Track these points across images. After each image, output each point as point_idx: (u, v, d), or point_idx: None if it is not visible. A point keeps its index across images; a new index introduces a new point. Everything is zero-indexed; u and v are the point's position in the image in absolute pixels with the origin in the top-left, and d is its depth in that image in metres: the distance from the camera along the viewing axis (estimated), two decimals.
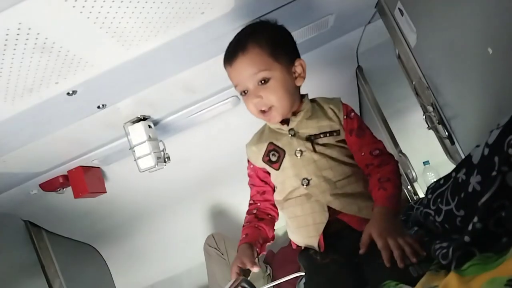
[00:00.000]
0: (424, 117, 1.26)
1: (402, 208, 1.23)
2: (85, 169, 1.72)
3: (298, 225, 1.06)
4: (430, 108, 1.21)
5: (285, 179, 1.08)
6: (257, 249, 1.06)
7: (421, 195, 1.81)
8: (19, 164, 1.50)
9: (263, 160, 1.10)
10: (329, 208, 1.02)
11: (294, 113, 1.07)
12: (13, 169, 1.52)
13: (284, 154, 1.07)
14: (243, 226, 1.13)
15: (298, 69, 1.05)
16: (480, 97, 0.96)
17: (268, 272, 2.22)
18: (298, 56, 1.07)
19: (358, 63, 1.86)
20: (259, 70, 0.98)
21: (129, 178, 1.83)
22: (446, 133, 1.18)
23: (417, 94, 1.27)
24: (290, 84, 1.03)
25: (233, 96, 1.60)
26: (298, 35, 1.32)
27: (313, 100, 1.11)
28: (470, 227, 0.67)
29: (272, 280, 2.15)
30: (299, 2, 1.16)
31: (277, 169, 1.08)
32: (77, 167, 1.71)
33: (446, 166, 1.20)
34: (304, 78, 1.06)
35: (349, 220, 1.02)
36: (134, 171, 1.46)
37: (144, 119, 1.49)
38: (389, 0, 1.24)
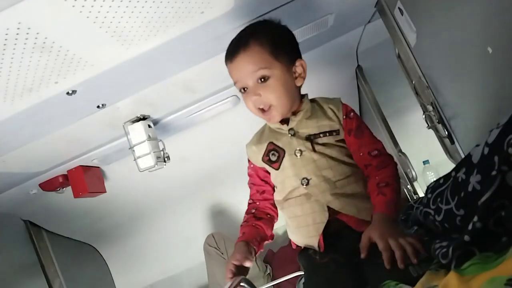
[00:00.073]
0: (424, 116, 1.26)
1: (401, 207, 1.22)
2: (85, 168, 1.72)
3: (298, 225, 1.06)
4: (430, 108, 1.21)
5: (284, 179, 1.08)
6: (255, 247, 1.06)
7: (421, 194, 1.80)
8: (18, 163, 1.50)
9: (262, 159, 1.10)
10: (329, 208, 1.02)
11: (294, 113, 1.07)
12: (12, 168, 1.52)
13: (284, 153, 1.07)
14: (241, 225, 1.13)
15: (298, 69, 1.05)
16: (480, 96, 0.96)
17: (268, 272, 2.22)
18: (299, 56, 1.08)
19: (358, 62, 1.86)
20: (259, 67, 0.99)
21: (128, 177, 1.83)
22: (446, 133, 1.18)
23: (417, 93, 1.27)
24: (290, 83, 1.03)
25: (232, 95, 1.60)
26: (298, 35, 1.32)
27: (313, 100, 1.11)
28: (470, 227, 0.67)
29: (272, 280, 2.15)
30: (299, 2, 1.16)
31: (277, 169, 1.08)
32: (77, 166, 1.71)
33: (446, 166, 1.20)
34: (304, 78, 1.06)
35: (348, 220, 1.02)
36: (133, 171, 1.46)
37: (144, 118, 1.49)
38: None
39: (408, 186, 1.88)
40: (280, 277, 1.92)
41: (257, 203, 1.15)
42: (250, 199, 1.18)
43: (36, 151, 1.44)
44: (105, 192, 1.84)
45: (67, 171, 1.72)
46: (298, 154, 1.05)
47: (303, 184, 1.04)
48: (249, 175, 1.18)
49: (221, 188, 2.35)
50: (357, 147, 1.05)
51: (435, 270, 0.74)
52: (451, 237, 0.80)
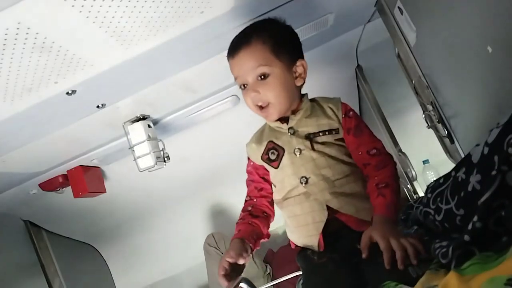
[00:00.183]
0: (423, 116, 1.26)
1: (401, 207, 1.23)
2: (85, 168, 1.72)
3: (298, 224, 1.06)
4: (430, 107, 1.21)
5: (284, 178, 1.08)
6: (251, 245, 1.05)
7: (421, 194, 1.80)
8: (18, 164, 1.50)
9: (262, 158, 1.11)
10: (328, 207, 1.02)
11: (294, 112, 1.07)
12: (12, 169, 1.52)
13: (283, 152, 1.07)
14: (237, 222, 1.13)
15: (299, 69, 1.05)
16: (479, 96, 0.96)
17: (268, 271, 2.22)
18: (301, 56, 1.08)
19: (357, 62, 1.86)
20: (259, 64, 0.99)
21: (128, 177, 1.83)
22: (446, 132, 1.18)
23: (416, 93, 1.27)
24: (289, 83, 1.04)
25: (232, 95, 1.60)
26: (298, 34, 1.31)
27: (313, 100, 1.12)
28: (470, 226, 0.67)
29: (272, 279, 2.15)
30: (299, 1, 1.16)
31: (276, 168, 1.08)
32: (77, 166, 1.71)
33: (446, 165, 1.20)
34: (304, 78, 1.07)
35: (346, 220, 1.02)
36: (133, 171, 1.46)
37: (144, 118, 1.49)
38: None
39: (408, 186, 1.88)
40: (280, 277, 1.92)
41: (254, 200, 1.15)
42: (247, 196, 1.17)
43: (36, 151, 1.44)
44: (105, 192, 1.84)
45: (67, 171, 1.72)
46: (297, 153, 1.05)
47: (302, 183, 1.04)
48: (248, 172, 1.18)
49: (221, 188, 2.35)
50: (355, 146, 1.05)
51: (435, 270, 0.74)
52: (451, 236, 0.80)
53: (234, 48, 1.03)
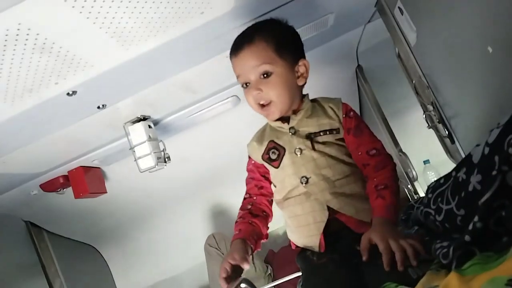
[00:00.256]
0: (424, 116, 1.26)
1: (401, 208, 1.22)
2: (86, 169, 1.72)
3: (299, 224, 1.06)
4: (430, 107, 1.20)
5: (284, 178, 1.08)
6: (251, 246, 1.05)
7: (422, 194, 1.80)
8: (19, 164, 1.50)
9: (262, 158, 1.11)
10: (328, 207, 1.02)
11: (295, 112, 1.08)
12: (13, 169, 1.52)
13: (284, 152, 1.07)
14: (236, 221, 1.12)
15: (301, 68, 1.06)
16: (480, 96, 0.96)
17: (269, 272, 2.22)
18: (303, 56, 1.08)
19: (358, 62, 1.86)
20: (262, 62, 1.00)
21: (129, 178, 1.83)
22: (446, 132, 1.18)
23: (417, 93, 1.27)
24: (292, 82, 1.04)
25: (233, 96, 1.59)
26: (299, 35, 1.32)
27: (314, 100, 1.12)
28: (470, 227, 0.67)
29: (273, 280, 2.15)
30: (299, 1, 1.16)
31: (277, 167, 1.08)
32: (78, 167, 1.71)
33: (447, 165, 1.20)
34: (306, 78, 1.07)
35: (346, 221, 1.02)
36: (134, 171, 1.46)
37: (144, 119, 1.49)
38: None
39: (409, 186, 1.87)
40: (281, 278, 1.92)
41: (254, 197, 1.14)
42: (246, 193, 1.17)
43: (37, 152, 1.44)
44: (106, 192, 1.84)
45: (68, 171, 1.72)
46: (298, 153, 1.05)
47: (302, 183, 1.04)
48: (249, 170, 1.17)
49: (221, 188, 2.35)
50: (355, 146, 1.05)
51: (436, 270, 0.74)
52: (452, 237, 0.80)
53: (237, 47, 1.03)
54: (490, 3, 0.78)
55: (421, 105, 1.29)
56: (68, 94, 1.12)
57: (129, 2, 0.89)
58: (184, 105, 1.55)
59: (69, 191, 1.76)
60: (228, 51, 1.09)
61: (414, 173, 1.78)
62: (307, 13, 1.26)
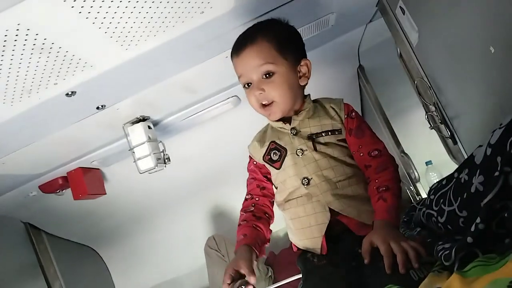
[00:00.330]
0: (426, 116, 1.25)
1: (403, 209, 1.22)
2: (85, 170, 1.72)
3: (301, 225, 1.05)
4: (432, 108, 1.20)
5: (286, 179, 1.07)
6: (256, 252, 1.04)
7: (424, 195, 1.80)
8: (18, 165, 1.50)
9: (263, 159, 1.10)
10: (330, 209, 1.01)
11: (296, 112, 1.07)
12: (12, 171, 1.52)
13: (286, 153, 1.06)
14: (239, 224, 1.11)
15: (303, 68, 1.06)
16: (482, 96, 0.95)
17: (270, 274, 2.21)
18: (304, 56, 1.08)
19: (359, 62, 1.86)
20: (265, 62, 0.99)
21: (128, 179, 1.82)
22: (449, 133, 1.17)
23: (419, 93, 1.26)
24: (294, 82, 1.04)
25: (233, 96, 1.59)
26: (301, 35, 1.31)
27: (315, 101, 1.12)
28: (472, 228, 0.67)
29: (274, 282, 2.14)
30: (300, 1, 1.15)
31: (278, 168, 1.08)
32: (77, 168, 1.70)
33: (449, 166, 1.19)
34: (308, 78, 1.07)
35: (347, 222, 1.02)
36: (133, 172, 1.45)
37: (144, 119, 1.49)
38: None
39: (411, 187, 1.87)
40: (281, 280, 1.91)
41: (256, 198, 1.13)
42: (248, 194, 1.16)
43: (36, 153, 1.44)
44: (105, 194, 1.83)
45: (67, 173, 1.72)
46: (300, 154, 1.04)
47: (303, 184, 1.03)
48: (250, 171, 1.17)
49: (222, 189, 2.35)
50: (357, 147, 1.05)
51: (438, 272, 0.74)
52: (454, 238, 0.80)
53: (239, 46, 1.03)
54: (492, 3, 0.78)
55: (423, 106, 1.29)
56: (67, 94, 1.12)
57: (129, 1, 0.88)
58: (184, 106, 1.55)
59: (68, 192, 1.76)
60: (229, 51, 1.09)
61: (416, 174, 1.78)
62: (308, 13, 1.26)
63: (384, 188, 0.97)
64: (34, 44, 0.89)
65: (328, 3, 1.25)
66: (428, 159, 2.26)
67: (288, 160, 1.06)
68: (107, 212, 2.14)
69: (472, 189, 0.73)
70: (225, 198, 2.44)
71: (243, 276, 0.98)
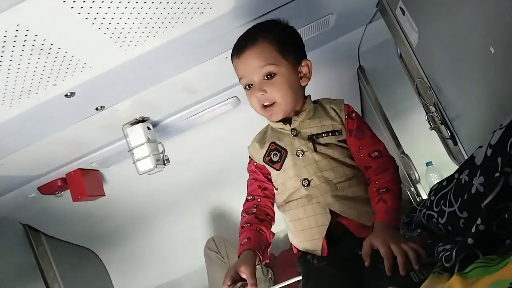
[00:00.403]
0: (426, 117, 1.25)
1: (403, 211, 1.21)
2: (84, 172, 1.72)
3: (301, 227, 1.04)
4: (433, 108, 1.20)
5: (286, 180, 1.06)
6: (260, 256, 1.03)
7: (424, 196, 1.79)
8: (17, 167, 1.50)
9: (264, 160, 1.10)
10: (330, 210, 1.01)
11: (297, 113, 1.07)
12: (11, 172, 1.52)
13: (286, 154, 1.06)
14: (242, 227, 1.10)
15: (304, 69, 1.06)
16: (482, 96, 0.95)
17: (270, 276, 2.20)
18: (305, 57, 1.09)
19: (359, 62, 1.85)
20: (266, 63, 0.99)
21: (128, 180, 1.82)
22: (449, 134, 1.17)
23: (419, 94, 1.26)
24: (295, 82, 1.04)
25: (233, 97, 1.59)
26: (300, 35, 1.31)
27: (315, 101, 1.12)
28: (473, 229, 0.66)
29: (274, 284, 2.14)
30: (300, 2, 1.15)
31: (278, 169, 1.07)
32: (76, 169, 1.70)
33: (449, 167, 1.19)
34: (309, 78, 1.07)
35: (348, 224, 1.01)
36: (133, 174, 1.45)
37: (143, 120, 1.49)
38: None
39: (411, 188, 1.87)
40: (282, 282, 1.91)
41: (258, 199, 1.13)
42: (249, 195, 1.15)
43: (35, 154, 1.44)
44: (104, 195, 1.83)
45: (66, 174, 1.72)
46: (300, 155, 1.04)
47: (304, 185, 1.03)
48: (251, 171, 1.16)
49: (221, 190, 2.34)
50: (357, 148, 1.05)
51: (438, 274, 0.74)
52: (455, 240, 0.80)
53: (240, 48, 1.03)
54: (492, 3, 0.78)
55: (423, 106, 1.29)
56: (66, 95, 1.12)
57: (128, 2, 0.88)
58: (184, 107, 1.55)
59: (67, 193, 1.76)
60: (228, 52, 1.09)
61: (416, 175, 1.77)
62: (307, 14, 1.26)
63: (384, 190, 0.97)
64: (33, 45, 0.89)
65: (328, 4, 1.25)
66: (429, 160, 2.26)
67: (288, 161, 1.05)
68: (106, 213, 2.13)
69: (473, 190, 0.73)
70: (225, 200, 2.44)
71: (244, 280, 0.97)
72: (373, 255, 0.86)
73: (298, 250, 1.10)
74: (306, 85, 1.08)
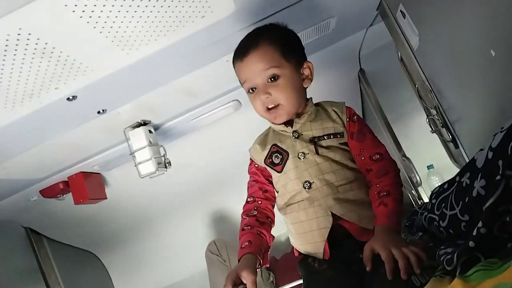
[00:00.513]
0: (427, 120, 1.25)
1: (404, 214, 1.21)
2: (86, 175, 1.72)
3: (303, 230, 1.04)
4: (434, 111, 1.20)
5: (287, 182, 1.06)
6: (260, 260, 1.03)
7: (425, 199, 1.79)
8: (19, 170, 1.50)
9: (265, 162, 1.10)
10: (332, 213, 1.01)
11: (298, 116, 1.07)
12: (13, 175, 1.52)
13: (288, 156, 1.06)
14: (243, 229, 1.09)
15: (306, 71, 1.07)
16: (484, 99, 0.95)
17: (271, 279, 2.20)
18: (305, 59, 1.09)
19: (360, 66, 1.85)
20: (270, 66, 1.00)
21: (129, 183, 1.82)
22: (450, 137, 1.17)
23: (420, 97, 1.26)
24: (298, 84, 1.05)
25: (234, 100, 1.59)
26: (300, 38, 1.31)
27: (317, 104, 1.12)
28: (474, 232, 0.66)
29: (275, 287, 2.13)
30: (300, 5, 1.15)
31: (280, 172, 1.07)
32: (78, 173, 1.70)
33: (451, 170, 1.19)
34: (311, 80, 1.08)
35: (349, 227, 1.01)
36: (134, 177, 1.45)
37: (145, 124, 1.49)
38: (391, 2, 1.24)
39: (413, 191, 1.86)
40: (283, 285, 1.90)
41: (259, 201, 1.12)
42: (250, 197, 1.14)
43: (37, 157, 1.44)
44: (106, 198, 1.83)
45: (68, 177, 1.72)
46: (302, 157, 1.04)
47: (305, 188, 1.02)
48: (252, 173, 1.16)
49: (223, 193, 2.34)
50: (358, 150, 1.04)
51: (440, 277, 0.73)
52: (456, 243, 0.80)
53: (242, 51, 1.03)
54: (493, 6, 0.78)
55: (424, 109, 1.29)
56: (68, 99, 1.12)
57: (130, 6, 0.88)
58: (185, 110, 1.55)
59: (69, 197, 1.76)
60: (230, 55, 1.09)
61: (417, 178, 1.77)
62: (308, 17, 1.26)
63: (385, 193, 0.97)
64: (35, 49, 0.90)
65: (328, 7, 1.26)
66: (430, 163, 2.25)
67: (289, 164, 1.05)
68: (108, 217, 2.13)
69: (474, 193, 0.73)
70: (227, 203, 2.43)
71: (245, 284, 0.97)
72: (374, 259, 0.86)
73: (299, 253, 1.10)
74: (308, 86, 1.08)
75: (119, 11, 0.88)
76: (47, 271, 2.03)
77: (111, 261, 2.51)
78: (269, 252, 1.10)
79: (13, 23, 0.80)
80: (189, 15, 0.99)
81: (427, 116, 1.25)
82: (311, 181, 1.02)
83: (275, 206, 1.14)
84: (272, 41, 1.01)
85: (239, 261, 1.03)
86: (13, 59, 0.90)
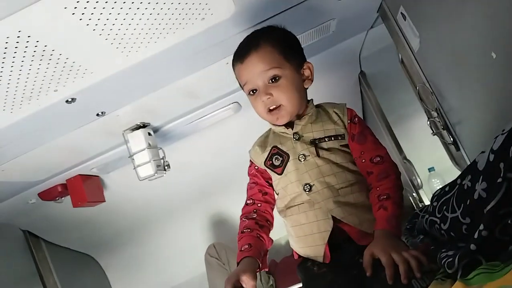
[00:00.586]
0: (428, 122, 1.24)
1: (405, 218, 1.21)
2: (84, 177, 1.71)
3: (303, 233, 1.04)
4: (435, 114, 1.19)
5: (287, 185, 1.06)
6: (259, 264, 1.03)
7: (427, 202, 1.78)
8: (17, 173, 1.49)
9: (265, 164, 1.09)
10: (332, 216, 1.00)
11: (299, 117, 1.07)
12: (11, 178, 1.51)
13: (288, 158, 1.05)
14: (242, 231, 1.09)
15: (306, 71, 1.07)
16: (484, 102, 0.95)
17: (271, 283, 2.19)
18: (305, 59, 1.09)
19: (360, 68, 1.85)
20: (271, 67, 0.99)
21: (128, 186, 1.81)
22: (451, 139, 1.16)
23: (421, 99, 1.26)
24: (299, 85, 1.04)
25: (234, 102, 1.59)
26: (300, 40, 1.30)
27: (318, 106, 1.12)
28: (476, 235, 0.66)
29: None
30: (300, 8, 1.15)
31: (280, 174, 1.07)
32: (76, 175, 1.70)
33: (452, 172, 1.19)
34: (312, 81, 1.08)
35: (349, 230, 1.00)
36: (133, 180, 1.44)
37: (144, 126, 1.48)
38: (392, 4, 1.24)
39: (414, 194, 1.86)
40: None
41: (259, 204, 1.12)
42: (249, 199, 1.14)
43: (35, 160, 1.43)
44: (104, 201, 1.82)
45: (66, 180, 1.71)
46: (302, 159, 1.03)
47: (305, 190, 1.02)
48: (252, 175, 1.15)
49: (222, 196, 2.33)
50: (359, 153, 1.04)
51: (441, 280, 0.73)
52: (457, 246, 0.79)
53: (242, 53, 1.03)
54: (494, 8, 0.78)
55: (425, 112, 1.29)
56: (67, 101, 1.12)
57: (129, 8, 0.88)
58: (184, 112, 1.55)
59: (67, 199, 1.75)
60: (229, 57, 1.09)
61: (418, 180, 1.77)
62: (308, 19, 1.26)
63: (385, 197, 0.96)
64: (34, 51, 0.89)
65: (329, 9, 1.25)
66: (431, 166, 2.25)
67: (290, 166, 1.05)
68: (107, 219, 2.12)
69: (475, 196, 0.73)
70: (226, 205, 2.43)
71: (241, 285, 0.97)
72: (374, 264, 0.85)
73: (299, 256, 1.09)
74: (309, 87, 1.08)
75: (118, 13, 0.88)
76: (45, 274, 2.03)
77: (110, 265, 2.50)
78: (267, 256, 1.10)
79: (12, 25, 0.80)
80: (189, 17, 0.98)
81: (428, 118, 1.25)
82: (311, 184, 1.02)
83: (275, 208, 1.14)
84: (272, 42, 1.01)
85: (238, 263, 1.02)
86: (13, 61, 0.89)
